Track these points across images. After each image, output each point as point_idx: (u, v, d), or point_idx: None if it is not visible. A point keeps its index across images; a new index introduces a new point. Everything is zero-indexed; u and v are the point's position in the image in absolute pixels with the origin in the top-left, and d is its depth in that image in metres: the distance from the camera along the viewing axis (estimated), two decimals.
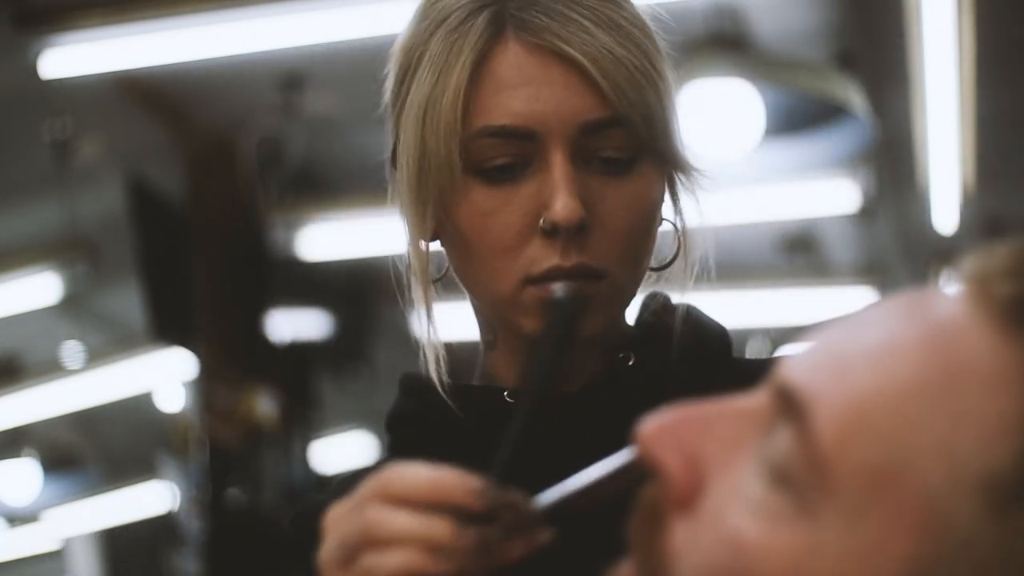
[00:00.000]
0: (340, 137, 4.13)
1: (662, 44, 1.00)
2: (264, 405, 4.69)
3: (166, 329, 4.56)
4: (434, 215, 0.98)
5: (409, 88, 0.98)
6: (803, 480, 0.54)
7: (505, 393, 1.00)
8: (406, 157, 0.98)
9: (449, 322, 1.04)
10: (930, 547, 0.52)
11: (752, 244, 4.85)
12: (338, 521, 0.74)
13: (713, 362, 1.03)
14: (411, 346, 1.04)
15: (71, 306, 4.67)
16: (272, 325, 4.65)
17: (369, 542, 0.71)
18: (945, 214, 4.66)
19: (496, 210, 0.95)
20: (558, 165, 0.94)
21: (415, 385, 1.05)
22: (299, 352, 4.76)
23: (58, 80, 3.59)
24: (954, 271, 0.58)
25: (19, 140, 4.10)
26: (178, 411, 5.07)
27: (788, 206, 4.60)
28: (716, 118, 3.20)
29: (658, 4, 1.01)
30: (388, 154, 1.05)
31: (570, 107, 0.94)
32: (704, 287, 1.03)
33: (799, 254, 5.16)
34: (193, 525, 4.66)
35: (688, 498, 0.57)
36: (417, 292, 1.02)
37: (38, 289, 4.61)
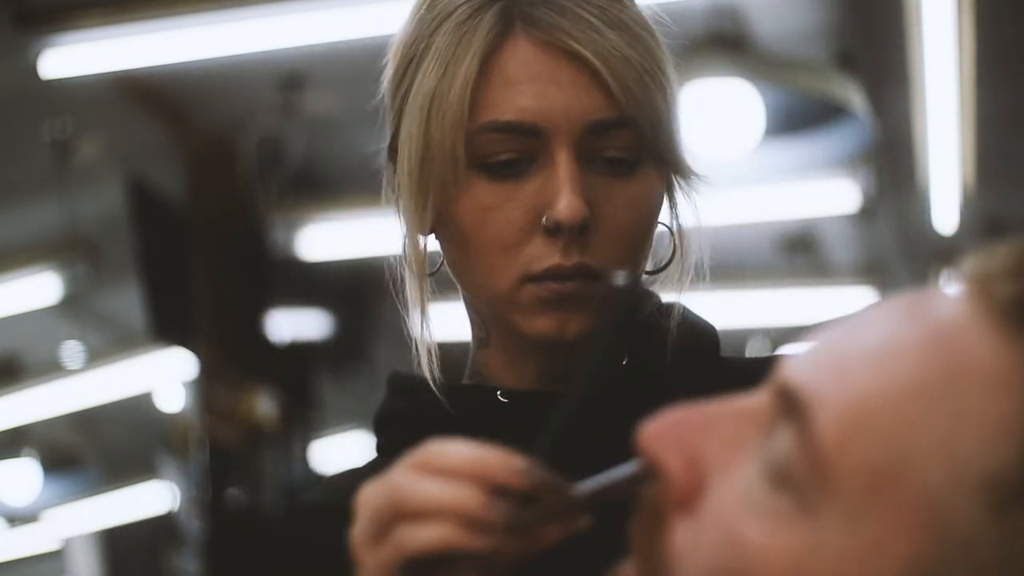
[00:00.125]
0: (340, 137, 4.13)
1: (666, 46, 1.00)
2: (264, 405, 4.69)
3: (166, 329, 4.56)
4: (434, 208, 0.97)
5: (412, 80, 0.98)
6: (804, 480, 0.54)
7: (498, 392, 0.99)
8: (408, 148, 0.97)
9: (440, 322, 1.03)
10: (930, 547, 0.52)
11: (752, 244, 4.85)
12: (370, 496, 0.71)
13: (706, 362, 1.03)
14: (410, 346, 1.03)
15: (71, 306, 4.67)
16: (272, 325, 4.65)
17: (401, 513, 0.68)
18: (945, 214, 4.66)
19: (498, 206, 0.95)
20: (563, 164, 0.94)
21: (404, 384, 1.04)
22: (299, 352, 4.76)
23: (58, 80, 3.59)
24: (954, 271, 0.58)
25: (19, 140, 4.10)
26: (178, 411, 5.08)
27: (788, 206, 4.60)
28: (716, 118, 3.20)
29: (658, 4, 1.01)
30: (385, 145, 1.04)
31: (578, 106, 0.94)
32: (702, 288, 1.03)
33: (799, 254, 5.16)
34: (193, 525, 4.66)
35: (689, 498, 0.57)
36: (412, 286, 1.02)
37: (38, 289, 4.61)
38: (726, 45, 3.29)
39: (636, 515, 0.61)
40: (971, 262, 0.57)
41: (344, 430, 5.64)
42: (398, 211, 1.03)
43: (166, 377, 4.98)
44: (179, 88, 4.21)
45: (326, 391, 5.03)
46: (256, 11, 3.35)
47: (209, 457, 4.60)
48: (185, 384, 4.88)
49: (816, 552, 0.53)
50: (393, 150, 1.03)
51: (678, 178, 1.01)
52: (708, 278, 1.03)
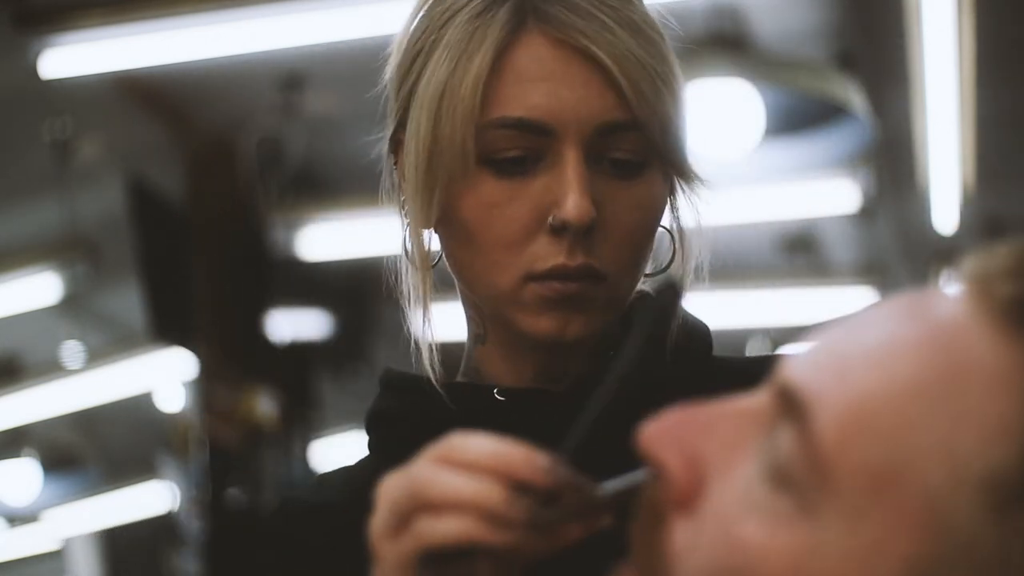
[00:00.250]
0: (340, 137, 4.13)
1: (673, 48, 0.99)
2: (264, 405, 4.69)
3: (166, 329, 4.56)
4: (440, 203, 0.96)
5: (421, 72, 0.97)
6: (804, 480, 0.54)
7: (495, 391, 0.99)
8: (416, 141, 0.96)
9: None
10: (931, 547, 0.52)
11: (752, 244, 4.85)
12: (390, 488, 0.69)
13: (701, 361, 1.02)
14: (410, 344, 1.02)
15: (71, 306, 4.67)
16: (272, 325, 4.65)
17: (421, 505, 0.67)
18: (945, 214, 4.66)
19: (503, 203, 0.94)
20: (572, 163, 0.93)
21: (397, 381, 1.03)
22: (299, 352, 4.76)
23: (58, 80, 3.59)
24: (954, 271, 0.58)
25: (19, 140, 4.10)
26: (178, 411, 5.08)
27: (788, 206, 4.60)
28: (716, 118, 3.20)
29: (658, 4, 1.01)
30: (387, 136, 1.03)
31: (588, 106, 0.93)
32: (702, 288, 1.03)
33: (799, 254, 5.16)
34: (193, 525, 4.66)
35: (689, 498, 0.57)
36: (415, 282, 1.01)
37: (38, 289, 4.61)
38: (726, 45, 3.29)
39: (636, 515, 0.61)
40: (971, 262, 0.57)
41: (344, 430, 5.64)
42: (399, 204, 1.02)
43: (166, 377, 4.98)
44: (179, 88, 4.21)
45: (326, 391, 5.03)
46: (256, 11, 3.36)
47: (209, 457, 4.60)
48: (185, 384, 4.88)
49: (816, 552, 0.53)
50: (395, 141, 1.02)
51: (681, 181, 1.01)
52: (708, 278, 1.02)
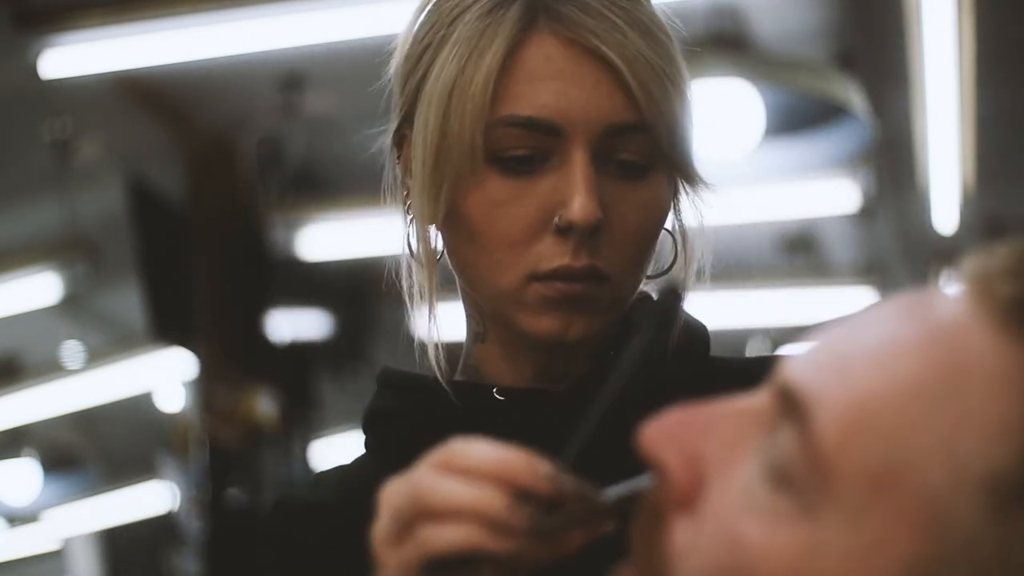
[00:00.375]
0: (340, 137, 4.11)
1: (681, 51, 0.99)
2: (264, 405, 4.69)
3: (166, 329, 4.57)
4: (447, 200, 0.96)
5: (429, 67, 0.96)
6: (804, 480, 0.54)
7: (494, 391, 0.99)
8: (424, 137, 0.96)
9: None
10: (931, 547, 0.52)
11: (752, 244, 4.85)
12: (392, 494, 0.69)
13: (700, 362, 1.02)
14: (411, 346, 1.02)
15: (71, 306, 4.67)
16: (272, 325, 4.65)
17: (423, 512, 0.67)
18: (945, 214, 4.66)
19: (509, 201, 0.94)
20: (579, 164, 0.93)
21: (394, 380, 1.03)
22: (299, 352, 4.76)
23: (58, 80, 3.59)
24: (955, 271, 0.58)
25: (19, 140, 4.10)
26: (178, 411, 5.08)
27: (788, 206, 4.60)
28: (716, 118, 3.20)
29: (659, 4, 1.01)
30: (391, 130, 1.02)
31: (598, 107, 0.93)
32: (702, 288, 1.03)
33: (799, 254, 5.16)
34: (193, 525, 4.66)
35: (689, 498, 0.57)
36: (420, 278, 1.01)
37: (38, 289, 4.62)
38: (726, 45, 3.29)
39: (636, 515, 0.61)
40: (971, 262, 0.57)
41: (344, 430, 5.64)
42: (402, 200, 1.02)
43: (166, 377, 4.98)
44: (179, 88, 4.21)
45: (326, 391, 5.03)
46: (256, 11, 3.36)
47: (209, 457, 4.60)
48: (185, 384, 4.88)
49: (816, 552, 0.53)
50: (399, 136, 1.02)
51: (685, 184, 1.01)
52: (708, 279, 1.02)
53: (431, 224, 0.98)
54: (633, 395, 0.69)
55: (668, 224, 1.01)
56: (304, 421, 4.91)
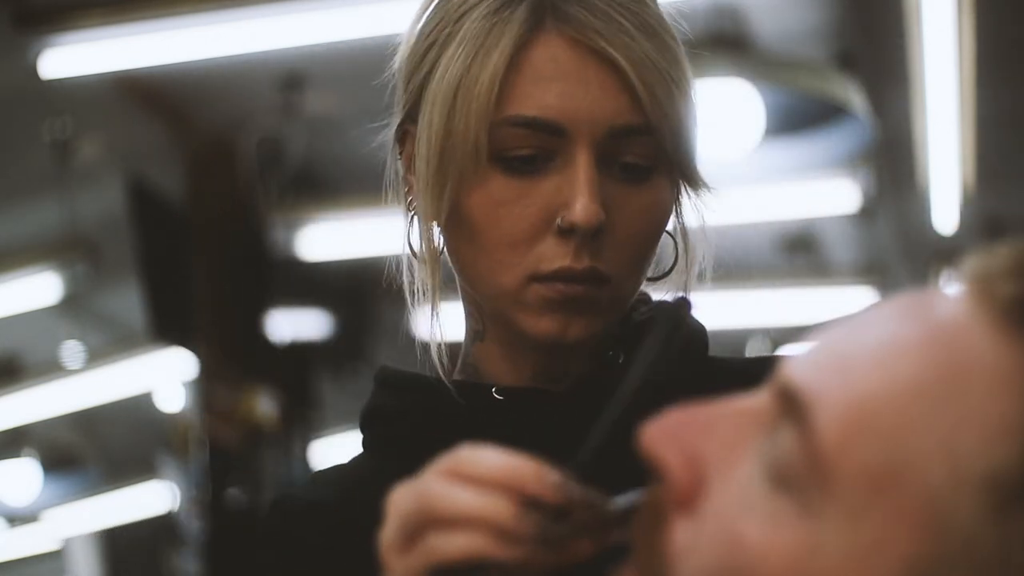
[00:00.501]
0: (340, 137, 4.12)
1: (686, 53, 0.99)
2: (264, 405, 4.69)
3: (166, 329, 4.57)
4: (450, 198, 0.96)
5: (434, 64, 0.96)
6: (804, 480, 0.54)
7: (493, 390, 0.99)
8: (428, 136, 0.96)
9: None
10: (931, 547, 0.52)
11: (752, 244, 4.86)
12: (400, 501, 0.69)
13: (700, 362, 1.02)
14: (411, 345, 1.02)
15: (71, 306, 4.67)
16: (272, 325, 4.65)
17: (431, 520, 0.67)
18: (945, 214, 4.66)
19: (512, 201, 0.94)
20: (583, 166, 0.93)
21: (393, 379, 1.03)
22: (299, 352, 4.76)
23: (58, 80, 3.59)
24: (955, 271, 0.58)
25: (19, 140, 4.10)
26: (178, 411, 5.08)
27: (788, 206, 4.61)
28: (716, 118, 3.20)
29: (661, 5, 1.01)
30: (394, 125, 1.02)
31: (602, 108, 0.93)
32: (702, 288, 1.03)
33: (799, 254, 5.16)
34: (193, 525, 4.66)
35: (689, 498, 0.57)
36: (423, 276, 1.01)
37: (38, 289, 4.62)
38: (726, 45, 3.29)
39: (637, 515, 0.61)
40: (972, 262, 0.57)
41: (344, 430, 5.64)
42: (404, 196, 1.02)
43: (166, 377, 4.98)
44: (179, 88, 4.21)
45: (326, 391, 5.03)
46: (256, 11, 3.36)
47: (209, 457, 4.60)
48: (185, 384, 4.88)
49: (816, 552, 0.53)
50: (402, 131, 1.02)
51: (688, 187, 1.01)
52: (708, 279, 1.02)
53: (434, 221, 0.98)
54: (642, 403, 0.69)
55: (669, 226, 1.01)
56: (304, 421, 4.91)
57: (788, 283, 5.11)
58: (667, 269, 1.02)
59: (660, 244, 1.00)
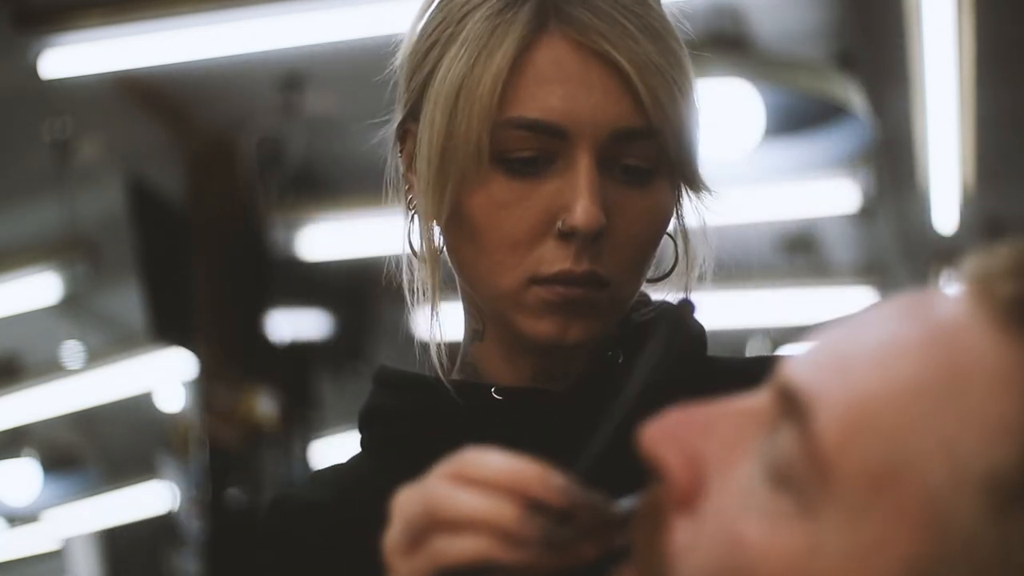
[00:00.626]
0: (340, 137, 4.13)
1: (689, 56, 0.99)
2: (264, 405, 4.69)
3: (166, 329, 4.57)
4: (451, 199, 0.95)
5: (437, 64, 0.96)
6: (804, 480, 0.54)
7: (492, 390, 0.99)
8: (430, 136, 0.96)
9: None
10: (931, 547, 0.52)
11: (752, 244, 4.86)
12: (404, 503, 0.69)
13: (699, 362, 1.02)
14: (411, 346, 1.02)
15: (71, 306, 4.67)
16: (272, 325, 4.65)
17: (436, 523, 0.67)
18: (945, 214, 4.66)
19: (513, 203, 0.94)
20: (584, 168, 0.92)
21: (392, 379, 1.03)
22: (299, 352, 4.76)
23: (58, 80, 3.60)
24: (955, 271, 0.58)
25: (19, 140, 4.10)
26: (178, 411, 5.08)
27: (788, 206, 4.61)
28: (716, 118, 3.20)
29: (663, 6, 1.01)
30: (395, 124, 1.02)
31: (605, 111, 0.93)
32: (702, 288, 1.03)
33: (799, 254, 5.16)
34: (193, 525, 4.66)
35: (689, 498, 0.57)
36: (423, 276, 1.00)
37: (38, 289, 4.62)
38: (726, 45, 3.30)
39: (637, 515, 0.61)
40: (972, 262, 0.57)
41: (344, 430, 5.64)
42: (404, 194, 1.02)
43: (166, 377, 4.98)
44: (179, 88, 4.21)
45: (326, 391, 5.03)
46: (256, 11, 3.36)
47: (209, 457, 4.60)
48: (185, 384, 4.88)
49: (816, 552, 0.53)
50: (403, 130, 1.01)
51: (689, 190, 1.01)
52: (708, 279, 1.02)
53: (435, 221, 0.98)
54: (645, 406, 0.69)
55: (670, 228, 1.01)
56: (304, 421, 4.91)
57: (788, 283, 5.11)
58: (667, 270, 1.02)
59: (660, 245, 1.00)
